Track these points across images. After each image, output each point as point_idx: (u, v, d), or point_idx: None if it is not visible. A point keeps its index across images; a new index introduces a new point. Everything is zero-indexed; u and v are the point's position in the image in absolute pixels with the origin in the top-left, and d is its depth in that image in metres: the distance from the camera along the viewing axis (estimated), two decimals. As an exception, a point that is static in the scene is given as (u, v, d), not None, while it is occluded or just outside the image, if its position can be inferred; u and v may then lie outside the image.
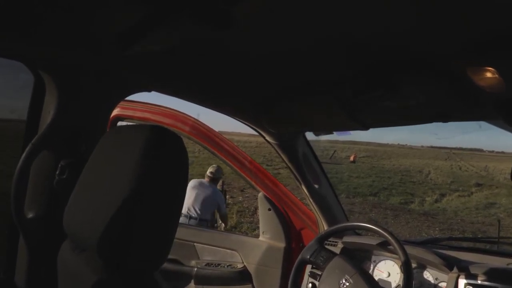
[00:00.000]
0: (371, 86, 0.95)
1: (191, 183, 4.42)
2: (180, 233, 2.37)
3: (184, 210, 4.32)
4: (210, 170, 4.48)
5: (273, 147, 1.65)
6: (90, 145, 0.89)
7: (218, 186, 5.25)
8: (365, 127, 1.24)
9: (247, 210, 8.88)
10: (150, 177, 0.67)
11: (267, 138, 1.58)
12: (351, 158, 30.04)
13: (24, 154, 0.94)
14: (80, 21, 0.73)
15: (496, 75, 0.77)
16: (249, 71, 1.02)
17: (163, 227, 0.71)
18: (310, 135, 1.72)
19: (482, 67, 0.76)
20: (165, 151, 0.70)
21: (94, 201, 0.71)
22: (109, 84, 1.01)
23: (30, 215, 0.98)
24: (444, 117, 1.11)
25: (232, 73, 1.03)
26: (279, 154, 1.72)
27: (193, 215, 4.32)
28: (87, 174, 0.77)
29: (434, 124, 1.21)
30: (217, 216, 4.78)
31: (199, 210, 4.28)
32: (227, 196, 10.07)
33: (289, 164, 1.76)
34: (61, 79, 0.93)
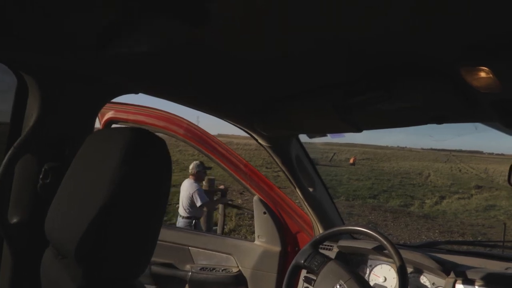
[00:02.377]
0: (365, 89, 0.94)
1: (182, 185, 4.62)
2: (174, 237, 2.36)
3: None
4: (191, 169, 4.70)
5: (266, 150, 1.63)
6: (74, 148, 0.87)
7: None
8: (358, 130, 1.21)
9: (246, 213, 8.84)
10: (130, 182, 0.65)
11: (260, 141, 1.56)
12: (351, 161, 30.08)
13: (6, 158, 0.91)
14: (59, 24, 0.71)
15: (490, 75, 0.74)
16: (240, 75, 0.99)
17: (143, 234, 0.69)
18: (304, 138, 1.70)
19: (476, 67, 0.74)
20: (147, 155, 0.68)
21: (73, 207, 0.69)
22: (93, 86, 0.99)
23: (13, 220, 0.95)
24: (439, 119, 1.09)
25: (222, 76, 1.01)
26: (272, 157, 1.69)
27: (182, 214, 4.59)
28: (68, 179, 0.75)
29: (430, 126, 1.19)
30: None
31: (186, 208, 4.51)
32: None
33: (283, 167, 1.73)
34: (43, 81, 0.91)
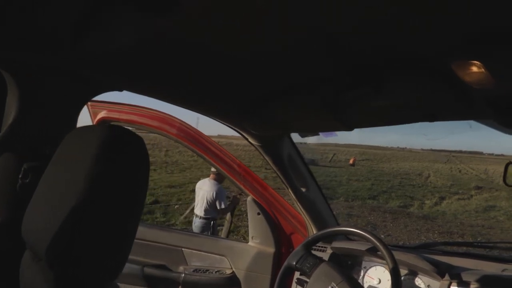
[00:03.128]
0: (354, 85, 0.91)
1: (197, 184, 4.60)
2: (167, 238, 2.33)
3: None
4: (213, 169, 4.52)
5: (257, 149, 1.60)
6: (55, 147, 0.85)
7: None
8: (349, 128, 1.19)
9: (245, 214, 8.80)
10: (104, 181, 0.63)
11: (251, 140, 1.53)
12: (351, 161, 30.12)
13: None
14: (33, 18, 0.68)
15: (483, 70, 0.72)
16: (226, 71, 0.97)
17: (119, 235, 0.66)
18: (300, 138, 1.67)
19: (467, 60, 0.71)
20: (122, 152, 0.66)
21: (47, 208, 0.67)
22: (74, 83, 0.96)
23: None
24: (431, 117, 1.06)
25: (207, 73, 0.98)
26: (263, 157, 1.66)
27: (200, 215, 4.50)
28: (44, 179, 0.73)
29: (424, 124, 1.16)
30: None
31: (206, 209, 4.42)
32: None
33: (274, 167, 1.70)
34: (22, 78, 0.88)
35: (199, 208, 4.55)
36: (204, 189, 4.54)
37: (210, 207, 4.47)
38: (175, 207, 9.43)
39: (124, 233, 0.67)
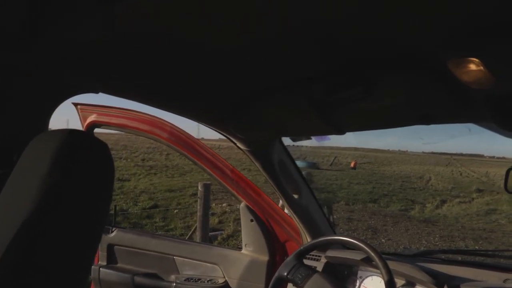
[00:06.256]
0: (343, 85, 0.85)
1: None
2: (159, 246, 2.27)
3: None
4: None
5: (246, 154, 1.53)
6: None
7: None
8: (340, 131, 1.12)
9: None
10: (61, 190, 0.57)
11: (239, 144, 1.46)
12: (352, 165, 30.07)
13: None
14: None
15: (481, 68, 0.65)
16: (207, 70, 0.90)
17: (77, 248, 0.60)
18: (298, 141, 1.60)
19: (464, 58, 0.65)
20: (83, 160, 0.60)
21: (2, 220, 0.61)
22: (45, 85, 0.90)
23: None
24: (427, 119, 1.00)
25: (188, 73, 0.92)
26: (253, 162, 1.60)
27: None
28: (5, 188, 0.67)
29: (420, 127, 1.10)
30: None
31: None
32: (224, 204, 10.01)
33: (264, 173, 1.64)
34: None
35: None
36: None
37: None
38: (175, 211, 9.36)
39: (83, 246, 0.61)
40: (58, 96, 0.94)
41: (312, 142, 1.46)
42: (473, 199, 15.05)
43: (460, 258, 1.88)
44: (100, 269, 2.24)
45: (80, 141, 0.61)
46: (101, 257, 2.29)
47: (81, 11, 0.58)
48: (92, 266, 2.22)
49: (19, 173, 0.66)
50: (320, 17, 0.62)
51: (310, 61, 0.83)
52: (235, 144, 1.46)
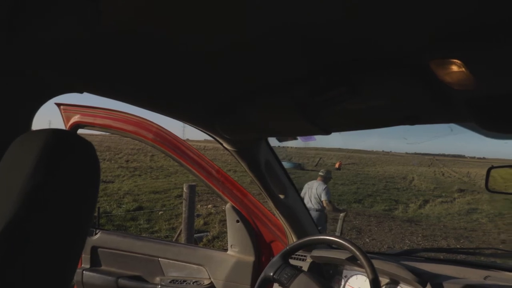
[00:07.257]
0: (328, 86, 0.85)
1: (307, 184, 6.05)
2: (144, 248, 2.24)
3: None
4: (320, 173, 6.19)
5: (232, 154, 1.53)
6: (3, 155, 0.77)
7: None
8: (326, 132, 1.13)
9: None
10: (44, 192, 0.55)
11: (225, 145, 1.46)
12: (336, 165, 30.31)
13: None
14: None
15: (463, 69, 0.67)
16: (192, 69, 0.90)
17: (61, 251, 0.59)
18: (284, 142, 1.60)
19: (446, 59, 0.66)
20: (67, 160, 0.58)
21: None
22: (27, 85, 0.88)
23: None
24: (411, 120, 1.01)
25: (172, 72, 0.91)
26: (239, 162, 1.59)
27: (311, 207, 5.67)
28: None
29: (405, 128, 1.11)
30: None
31: (314, 202, 5.77)
32: (209, 206, 9.95)
33: (251, 173, 1.63)
34: None
35: (312, 204, 5.75)
36: (314, 188, 5.87)
37: (318, 202, 5.77)
38: (160, 213, 9.27)
39: (69, 245, 0.60)
40: (41, 96, 0.92)
41: (298, 143, 1.47)
42: (454, 199, 15.36)
43: (442, 257, 1.91)
44: (84, 272, 2.20)
45: (64, 141, 0.59)
46: (84, 260, 2.24)
47: (64, 6, 0.57)
48: None
49: (1, 174, 0.64)
50: (305, 19, 0.63)
51: (295, 62, 0.83)
52: (221, 144, 1.46)
